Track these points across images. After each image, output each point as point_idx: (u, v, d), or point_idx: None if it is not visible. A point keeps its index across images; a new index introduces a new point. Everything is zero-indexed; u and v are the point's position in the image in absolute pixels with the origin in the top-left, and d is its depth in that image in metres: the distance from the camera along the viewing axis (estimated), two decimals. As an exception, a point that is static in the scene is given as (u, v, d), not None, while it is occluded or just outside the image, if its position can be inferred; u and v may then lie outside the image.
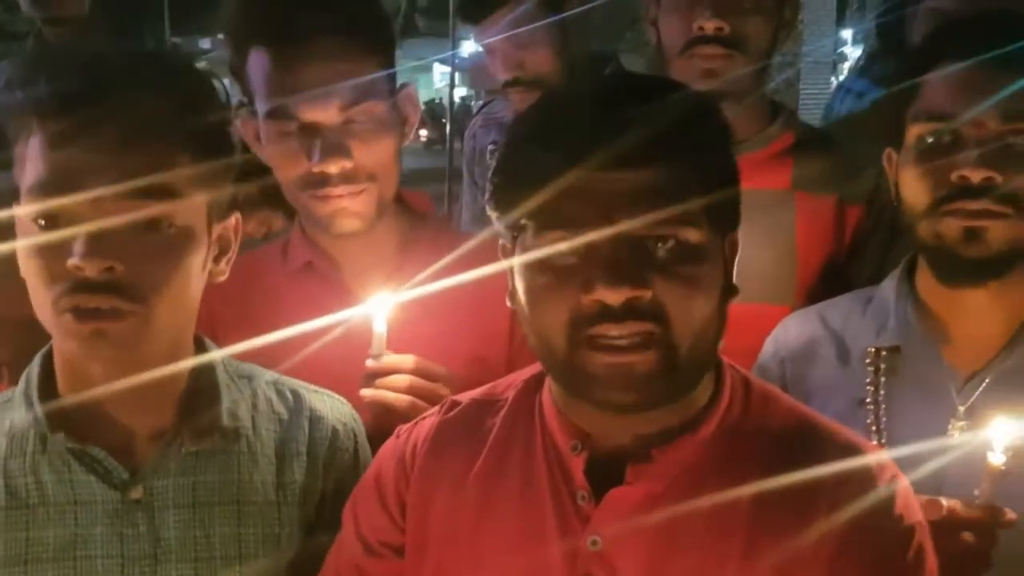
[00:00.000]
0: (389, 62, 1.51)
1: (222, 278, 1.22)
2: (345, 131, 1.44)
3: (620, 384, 0.98)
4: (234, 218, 1.23)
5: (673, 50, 1.74)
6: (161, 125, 1.10)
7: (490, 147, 2.88)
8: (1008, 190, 1.26)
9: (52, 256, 1.08)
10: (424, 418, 1.22)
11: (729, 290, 1.05)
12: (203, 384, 1.23)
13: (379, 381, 1.38)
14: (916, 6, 2.12)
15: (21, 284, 1.13)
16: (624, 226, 0.96)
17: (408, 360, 1.40)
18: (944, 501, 1.16)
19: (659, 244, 0.98)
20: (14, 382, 1.25)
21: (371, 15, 1.51)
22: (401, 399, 1.37)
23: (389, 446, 1.22)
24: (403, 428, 1.23)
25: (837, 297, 1.53)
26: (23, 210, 1.10)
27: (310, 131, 1.44)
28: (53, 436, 1.15)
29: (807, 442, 1.07)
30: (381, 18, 1.55)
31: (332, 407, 1.33)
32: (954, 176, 1.27)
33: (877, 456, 1.07)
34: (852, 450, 1.06)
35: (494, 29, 2.58)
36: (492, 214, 1.07)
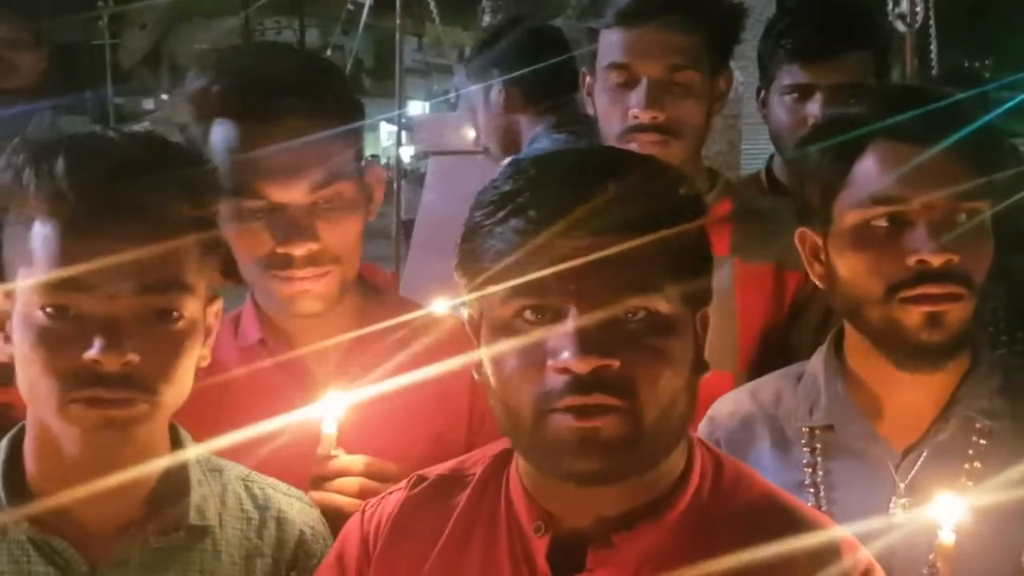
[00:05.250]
0: (358, 143, 1.50)
1: (205, 363, 1.21)
2: (312, 212, 1.41)
3: (585, 450, 0.96)
4: (217, 304, 1.22)
5: (609, 132, 1.77)
6: (176, 218, 1.11)
7: None
8: (964, 271, 1.24)
9: (63, 347, 1.06)
10: (390, 493, 1.20)
11: (700, 365, 1.04)
12: (174, 477, 1.20)
13: (328, 484, 1.34)
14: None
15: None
16: (593, 296, 0.96)
17: (358, 461, 1.36)
18: None
19: (629, 314, 0.97)
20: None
21: (343, 97, 1.49)
22: (351, 503, 1.31)
23: (354, 523, 1.20)
24: (369, 504, 1.21)
25: (766, 376, 1.51)
26: (31, 297, 1.07)
27: (276, 211, 1.40)
28: (16, 527, 1.12)
29: (779, 530, 1.04)
30: (353, 100, 1.53)
31: (300, 510, 1.30)
32: (912, 261, 1.23)
33: (852, 545, 1.06)
34: (826, 538, 1.05)
35: None
36: (459, 281, 1.06)
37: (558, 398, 0.96)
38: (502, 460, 1.14)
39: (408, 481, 1.20)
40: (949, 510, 1.13)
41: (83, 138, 1.16)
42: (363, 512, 1.20)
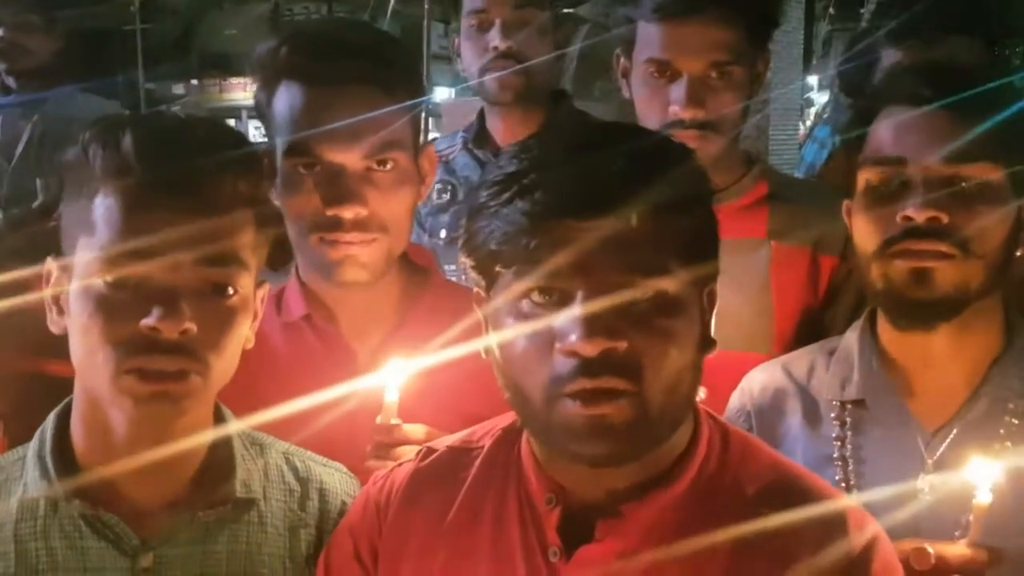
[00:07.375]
0: (417, 119, 1.52)
1: (250, 345, 1.22)
2: (365, 178, 1.43)
3: (593, 436, 0.97)
4: (264, 288, 1.24)
5: (648, 122, 1.75)
6: (234, 195, 1.13)
7: (436, 185, 2.51)
8: (955, 232, 1.26)
9: (121, 315, 1.08)
10: (400, 464, 1.22)
11: (706, 343, 1.05)
12: (220, 452, 1.22)
13: (390, 453, 1.34)
14: (873, 56, 2.18)
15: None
16: (600, 277, 0.96)
17: (419, 432, 1.36)
18: (931, 548, 1.16)
19: (637, 296, 0.97)
20: (11, 436, 1.24)
21: (408, 70, 1.52)
22: None
23: (364, 494, 1.22)
24: (379, 475, 1.22)
25: (800, 349, 1.53)
26: (91, 267, 1.10)
27: (330, 173, 1.42)
28: (67, 503, 1.14)
29: (785, 500, 1.05)
30: (417, 75, 1.56)
31: (341, 481, 1.32)
32: (899, 217, 1.27)
33: (859, 515, 1.07)
34: (832, 508, 1.05)
35: None
36: (465, 261, 1.06)
37: (567, 382, 0.96)
38: (512, 433, 1.14)
39: (418, 453, 1.21)
40: (985, 472, 1.15)
41: (148, 117, 1.20)
42: (374, 483, 1.21)
